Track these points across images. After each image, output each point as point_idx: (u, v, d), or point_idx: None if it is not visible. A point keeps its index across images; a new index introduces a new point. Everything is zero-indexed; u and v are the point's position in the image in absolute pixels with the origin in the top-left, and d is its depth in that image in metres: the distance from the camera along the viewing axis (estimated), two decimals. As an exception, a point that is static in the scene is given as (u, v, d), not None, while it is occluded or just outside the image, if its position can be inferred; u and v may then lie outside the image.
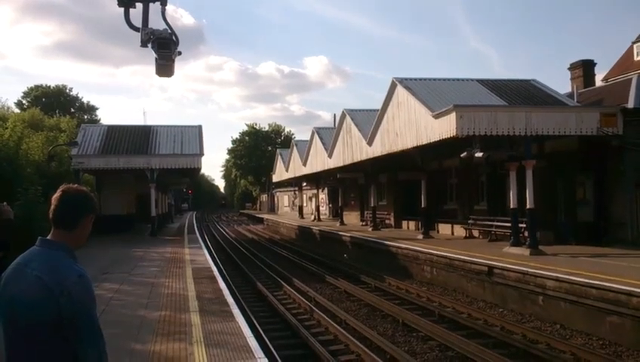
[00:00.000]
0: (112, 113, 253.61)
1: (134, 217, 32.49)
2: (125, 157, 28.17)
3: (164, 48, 6.27)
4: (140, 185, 30.92)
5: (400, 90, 20.29)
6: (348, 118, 27.33)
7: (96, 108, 70.56)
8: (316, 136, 34.10)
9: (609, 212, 17.60)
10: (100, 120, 66.16)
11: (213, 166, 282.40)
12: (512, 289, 12.93)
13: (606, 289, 10.17)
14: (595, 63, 30.55)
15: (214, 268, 15.24)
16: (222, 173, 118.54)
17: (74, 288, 2.23)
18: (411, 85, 19.92)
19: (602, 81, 39.60)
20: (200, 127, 31.09)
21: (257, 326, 10.85)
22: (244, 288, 16.60)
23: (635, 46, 44.34)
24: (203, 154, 29.08)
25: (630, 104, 17.05)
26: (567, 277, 11.28)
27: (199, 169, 30.99)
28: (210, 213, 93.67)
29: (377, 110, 22.86)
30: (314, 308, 12.81)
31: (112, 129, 31.17)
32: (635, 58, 43.52)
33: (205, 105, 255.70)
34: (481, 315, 12.17)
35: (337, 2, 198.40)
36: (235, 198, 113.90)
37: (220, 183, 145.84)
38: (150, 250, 21.09)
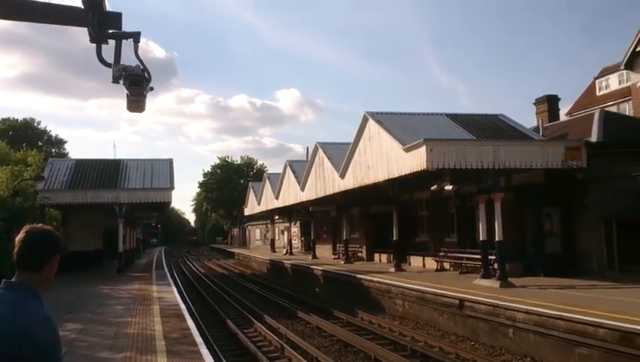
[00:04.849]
0: (81, 146, 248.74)
1: (101, 253, 31.68)
2: (93, 191, 27.65)
3: (136, 85, 6.26)
4: (107, 220, 30.23)
5: (371, 124, 20.57)
6: (320, 151, 27.49)
7: (65, 142, 69.62)
8: (289, 169, 34.14)
9: (576, 243, 17.94)
10: (68, 153, 65.25)
11: (183, 200, 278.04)
12: (483, 322, 12.95)
13: (574, 321, 10.27)
14: (559, 98, 31.71)
15: (182, 306, 14.90)
16: (192, 207, 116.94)
17: (39, 331, 2.17)
18: (382, 119, 20.22)
19: (566, 115, 40.98)
20: (171, 160, 30.85)
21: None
22: (214, 326, 16.20)
23: (597, 82, 46.19)
24: (173, 188, 28.77)
25: (593, 138, 17.61)
26: (536, 309, 11.36)
27: (169, 203, 30.57)
28: (180, 247, 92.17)
29: (349, 143, 23.06)
30: (285, 345, 12.57)
31: (80, 163, 30.65)
32: (597, 93, 45.28)
33: (175, 138, 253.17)
34: (452, 349, 12.11)
35: (308, 37, 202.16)
36: (206, 232, 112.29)
37: (191, 217, 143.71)
38: (117, 287, 20.52)
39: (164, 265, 35.93)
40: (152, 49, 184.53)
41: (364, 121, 21.26)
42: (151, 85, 6.44)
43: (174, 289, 19.45)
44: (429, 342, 12.96)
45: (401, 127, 19.53)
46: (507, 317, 12.07)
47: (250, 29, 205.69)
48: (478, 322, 13.16)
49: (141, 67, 6.26)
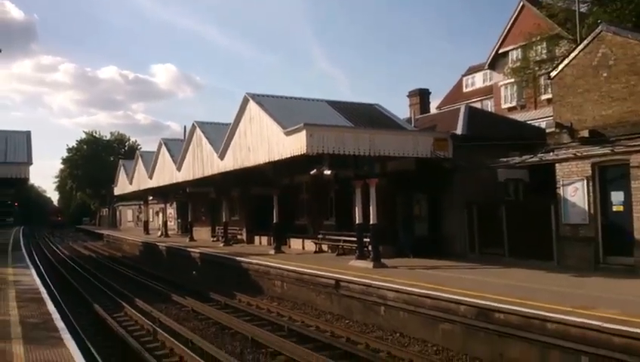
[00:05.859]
0: None
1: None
2: None
3: None
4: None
5: (252, 105, 20.29)
6: (198, 131, 26.60)
7: None
8: (164, 148, 32.61)
9: (441, 227, 19.35)
10: None
11: (45, 176, 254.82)
12: (357, 301, 13.49)
13: (438, 298, 11.05)
14: (430, 92, 33.84)
15: (43, 290, 13.67)
16: (56, 185, 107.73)
17: None
18: (264, 101, 20.01)
19: (436, 108, 43.89)
20: (29, 133, 27.86)
21: (93, 351, 9.92)
22: (79, 311, 15.13)
23: (464, 79, 50.00)
24: (31, 163, 26.10)
25: (458, 131, 19.08)
26: (405, 288, 12.06)
27: (27, 179, 27.73)
28: (42, 228, 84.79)
29: (229, 124, 22.57)
30: (158, 328, 12.10)
31: None
32: (464, 90, 49.07)
33: (34, 109, 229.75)
34: (328, 327, 12.48)
35: (185, 11, 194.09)
36: (71, 212, 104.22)
37: (54, 195, 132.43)
38: (-37, 270, 18.28)
39: (22, 246, 32.84)
40: (8, 9, 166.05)
41: (245, 102, 20.90)
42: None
43: (34, 272, 17.79)
44: (306, 321, 13.23)
45: (282, 110, 19.45)
46: (379, 296, 12.68)
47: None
48: (352, 301, 13.69)
49: None
